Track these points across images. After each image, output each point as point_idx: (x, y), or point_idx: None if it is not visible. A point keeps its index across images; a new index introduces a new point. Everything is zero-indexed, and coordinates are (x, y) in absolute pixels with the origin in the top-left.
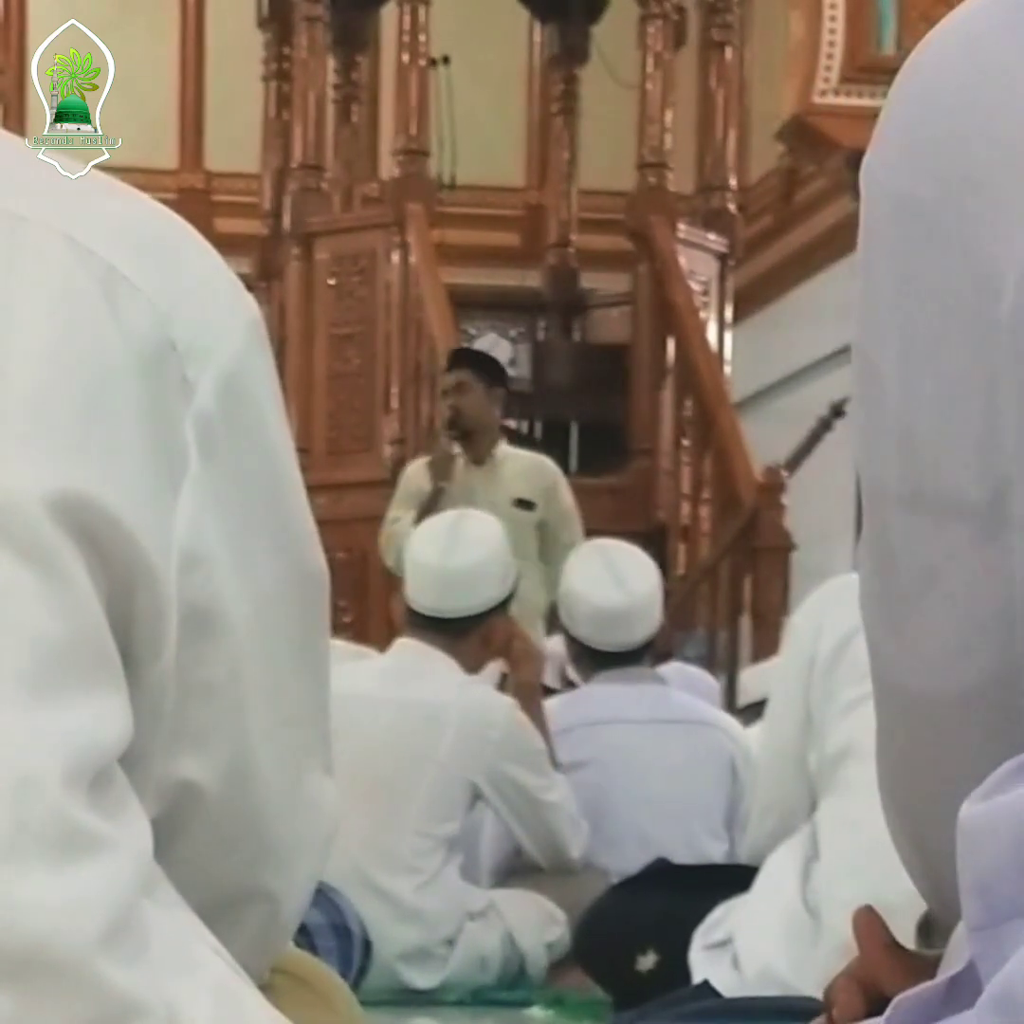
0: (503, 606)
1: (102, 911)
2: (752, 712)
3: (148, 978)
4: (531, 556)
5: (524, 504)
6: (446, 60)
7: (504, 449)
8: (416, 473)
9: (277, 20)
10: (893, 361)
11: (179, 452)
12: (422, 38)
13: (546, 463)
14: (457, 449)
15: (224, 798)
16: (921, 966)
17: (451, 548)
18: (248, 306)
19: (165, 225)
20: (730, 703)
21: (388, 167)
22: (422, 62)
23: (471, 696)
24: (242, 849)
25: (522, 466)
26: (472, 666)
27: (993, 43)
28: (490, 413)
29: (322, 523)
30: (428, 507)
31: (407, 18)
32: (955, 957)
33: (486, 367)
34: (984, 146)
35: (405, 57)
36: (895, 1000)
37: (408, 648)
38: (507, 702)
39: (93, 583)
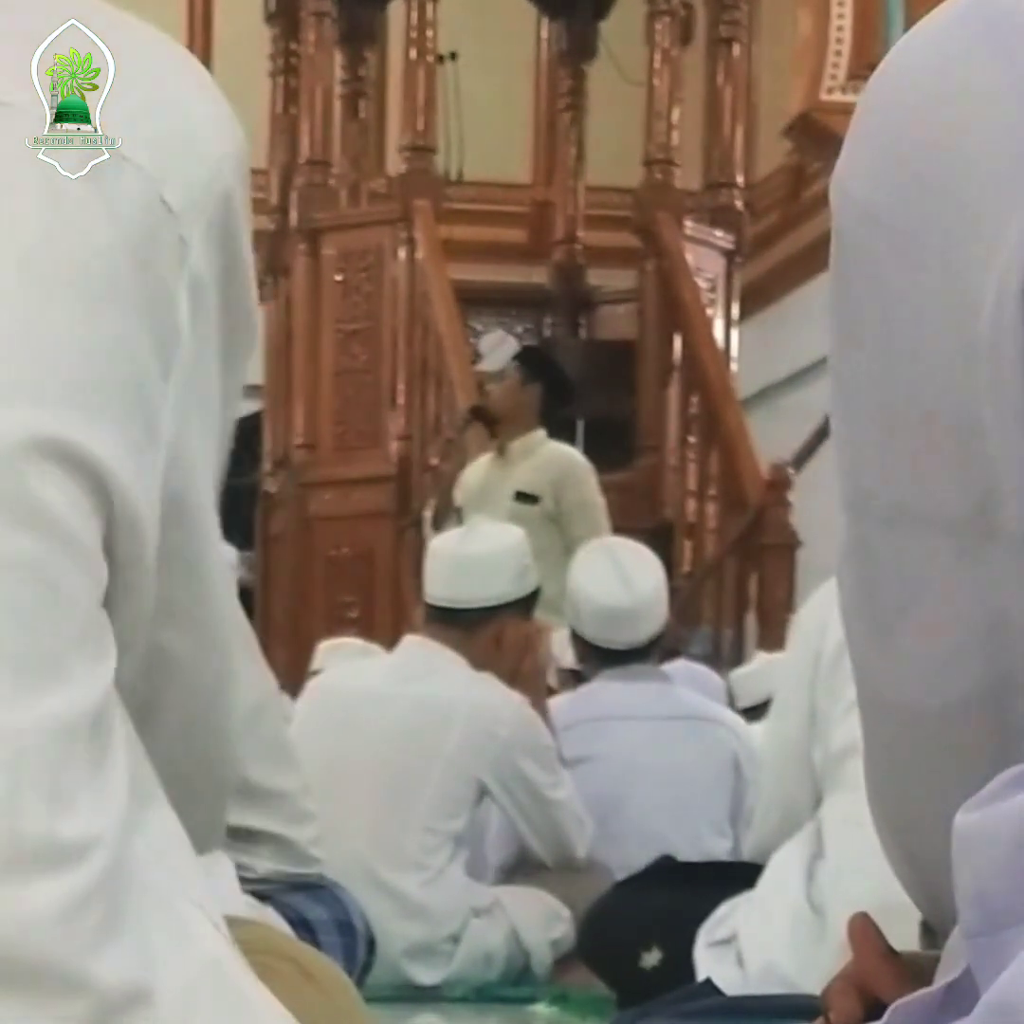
0: (519, 607)
1: (87, 914)
2: (755, 711)
3: (141, 965)
4: (537, 551)
5: (525, 498)
6: (453, 56)
7: (532, 442)
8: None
9: (284, 15)
10: (872, 376)
11: (173, 328)
12: (429, 34)
13: (566, 457)
14: (481, 436)
15: (195, 666)
16: (916, 972)
17: (467, 538)
18: (232, 139)
19: (155, 73)
20: (735, 700)
21: (395, 163)
22: (429, 58)
23: (479, 692)
24: (206, 727)
25: (540, 460)
26: (482, 665)
27: (963, 57)
28: (519, 405)
29: (328, 519)
30: (441, 497)
31: (415, 14)
32: (951, 963)
33: (531, 361)
34: (957, 162)
35: (412, 53)
36: (892, 1007)
37: (417, 645)
38: (516, 698)
39: (83, 515)
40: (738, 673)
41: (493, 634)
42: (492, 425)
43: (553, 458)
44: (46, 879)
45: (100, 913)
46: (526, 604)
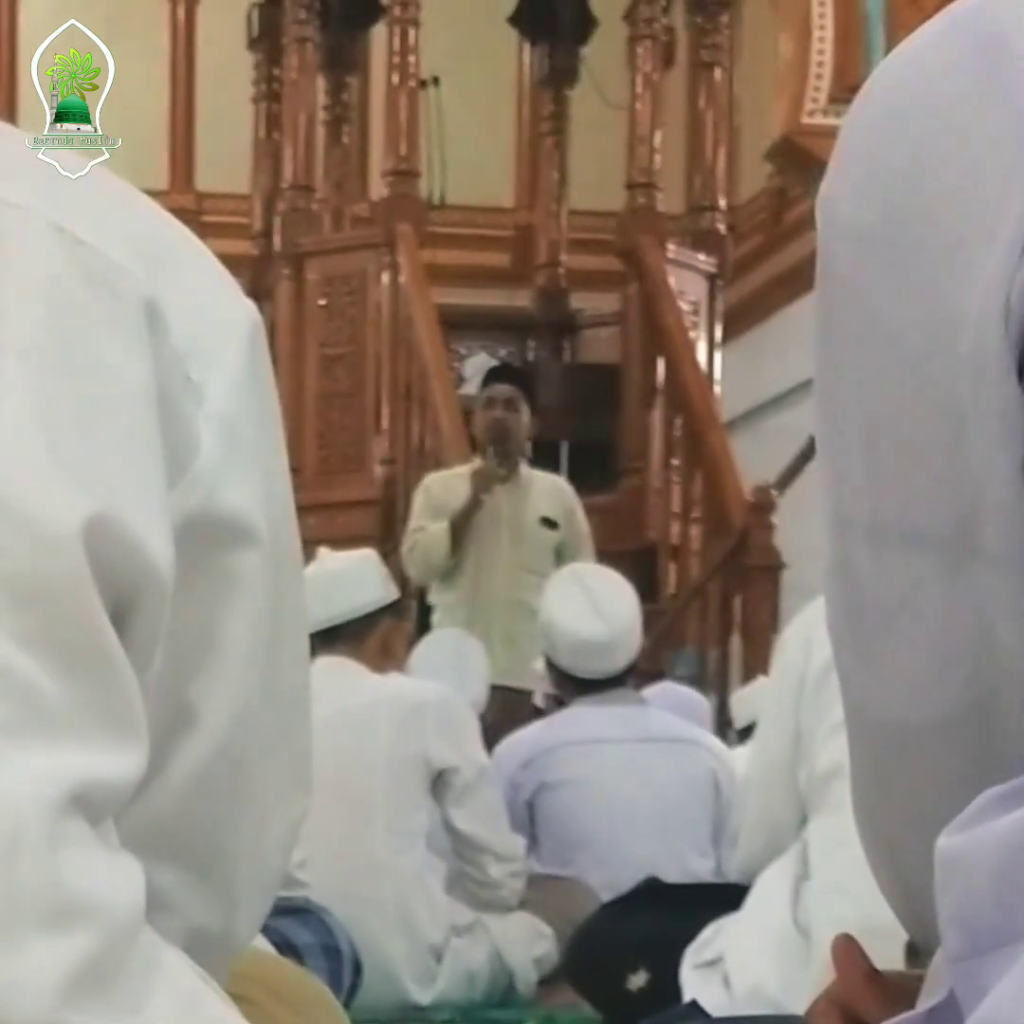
0: (392, 610)
1: (87, 978)
2: (748, 734)
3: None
4: (548, 575)
5: (549, 524)
6: (436, 81)
7: (526, 469)
8: (440, 485)
9: (267, 41)
10: (855, 396)
11: (188, 442)
12: (412, 59)
13: (566, 485)
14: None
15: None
16: (901, 992)
17: (324, 559)
18: (249, 308)
19: (160, 221)
20: (721, 722)
21: (378, 187)
22: (412, 83)
23: (394, 685)
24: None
25: (545, 487)
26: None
27: (948, 74)
28: (526, 434)
29: (313, 543)
30: (464, 517)
31: (397, 39)
32: (934, 986)
33: (529, 388)
34: (942, 181)
35: (395, 78)
36: None
37: (318, 665)
38: (433, 685)
39: (107, 610)
40: (736, 695)
41: (379, 642)
42: (507, 455)
43: (559, 486)
44: (45, 941)
45: (101, 978)
46: (400, 607)
